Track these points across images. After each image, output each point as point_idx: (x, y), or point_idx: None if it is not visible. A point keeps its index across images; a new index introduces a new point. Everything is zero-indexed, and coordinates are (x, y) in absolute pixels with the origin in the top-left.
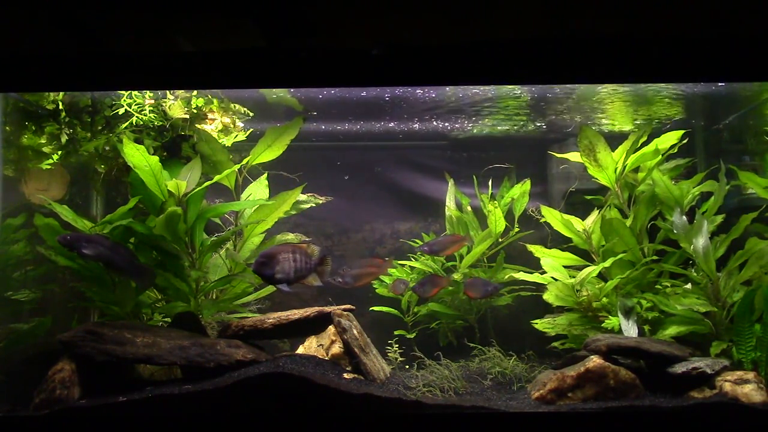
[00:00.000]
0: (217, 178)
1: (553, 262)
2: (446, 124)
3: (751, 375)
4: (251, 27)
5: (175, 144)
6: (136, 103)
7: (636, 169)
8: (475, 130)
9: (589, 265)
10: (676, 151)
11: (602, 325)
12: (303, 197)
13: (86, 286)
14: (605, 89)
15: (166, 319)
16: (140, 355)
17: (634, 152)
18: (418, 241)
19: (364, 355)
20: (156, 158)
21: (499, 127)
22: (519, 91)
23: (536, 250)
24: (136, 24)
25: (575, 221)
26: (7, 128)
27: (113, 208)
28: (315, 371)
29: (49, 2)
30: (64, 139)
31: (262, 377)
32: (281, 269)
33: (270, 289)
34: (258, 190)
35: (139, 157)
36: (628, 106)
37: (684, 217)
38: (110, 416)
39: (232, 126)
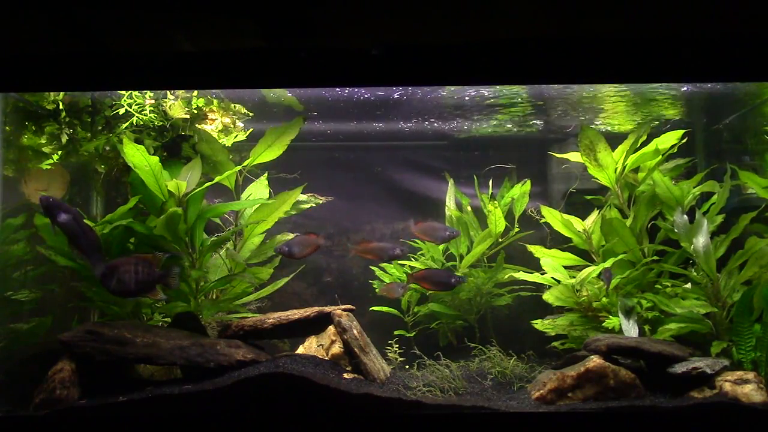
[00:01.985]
0: (218, 178)
1: (553, 262)
2: (446, 124)
3: (751, 375)
4: (251, 27)
5: (175, 144)
6: (136, 103)
7: (636, 169)
8: (475, 130)
9: (589, 265)
10: (675, 150)
11: (602, 325)
12: (303, 197)
13: (86, 286)
14: (605, 89)
15: (166, 319)
16: (140, 355)
17: (634, 152)
18: (418, 241)
19: (364, 355)
20: (156, 158)
21: (499, 127)
22: (519, 91)
23: (536, 250)
24: (136, 24)
25: (575, 221)
26: (7, 128)
27: (113, 208)
28: (315, 371)
29: (49, 2)
30: (64, 139)
31: (262, 377)
32: (121, 281)
33: (270, 289)
34: (258, 190)
35: (139, 157)
36: (628, 106)
37: (685, 217)
38: (110, 416)
39: (232, 126)
